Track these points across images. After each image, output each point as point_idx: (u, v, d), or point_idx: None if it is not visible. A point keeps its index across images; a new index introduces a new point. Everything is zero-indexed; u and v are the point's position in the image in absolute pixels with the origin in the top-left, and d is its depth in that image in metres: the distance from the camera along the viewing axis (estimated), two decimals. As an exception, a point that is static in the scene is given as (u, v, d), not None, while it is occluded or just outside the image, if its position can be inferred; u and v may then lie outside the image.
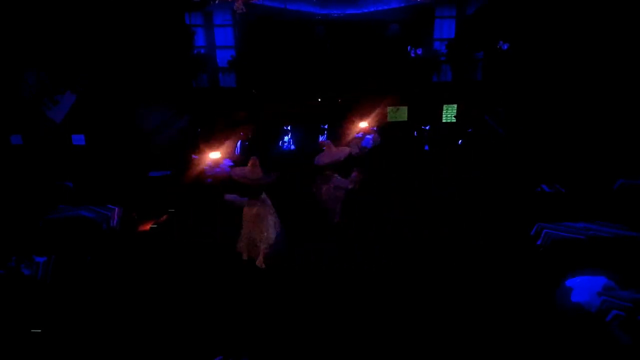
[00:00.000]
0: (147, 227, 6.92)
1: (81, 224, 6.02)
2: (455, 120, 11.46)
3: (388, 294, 4.93)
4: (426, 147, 10.94)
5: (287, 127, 11.73)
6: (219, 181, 7.94)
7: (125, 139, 9.37)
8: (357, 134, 9.84)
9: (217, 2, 13.02)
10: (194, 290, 5.07)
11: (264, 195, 5.58)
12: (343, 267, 5.55)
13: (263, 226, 5.49)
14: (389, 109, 10.66)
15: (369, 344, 4.13)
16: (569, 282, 4.28)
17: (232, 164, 8.63)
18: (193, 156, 9.10)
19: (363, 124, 10.08)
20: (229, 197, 5.71)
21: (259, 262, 5.52)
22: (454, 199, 7.50)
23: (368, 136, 9.90)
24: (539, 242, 5.48)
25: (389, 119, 10.69)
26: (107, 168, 8.38)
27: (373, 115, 10.46)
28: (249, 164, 5.52)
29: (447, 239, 6.22)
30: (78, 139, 9.15)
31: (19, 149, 8.86)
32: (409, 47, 13.24)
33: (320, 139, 11.10)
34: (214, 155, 8.62)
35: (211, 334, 4.26)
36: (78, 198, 6.79)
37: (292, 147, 11.54)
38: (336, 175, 6.62)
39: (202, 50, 13.61)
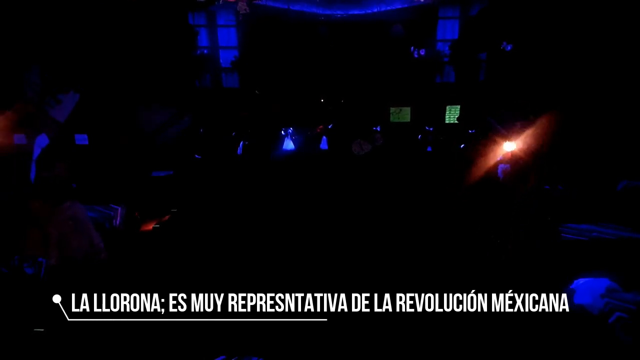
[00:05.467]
0: (150, 227, 6.93)
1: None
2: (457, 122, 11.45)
3: (390, 293, 4.91)
4: (429, 149, 10.93)
5: (289, 127, 11.74)
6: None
7: (128, 138, 9.40)
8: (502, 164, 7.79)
9: (220, 2, 13.04)
10: (194, 290, 5.06)
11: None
12: (343, 268, 5.54)
13: (85, 228, 5.13)
14: (392, 109, 10.67)
15: (372, 345, 4.13)
16: (572, 284, 4.27)
17: None
18: (196, 156, 9.12)
19: (509, 146, 7.57)
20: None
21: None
22: (456, 199, 7.48)
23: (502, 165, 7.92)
24: (542, 244, 5.45)
25: (391, 120, 10.69)
26: (110, 167, 8.41)
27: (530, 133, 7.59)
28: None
29: (449, 238, 6.21)
30: (81, 139, 9.21)
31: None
32: (412, 48, 13.22)
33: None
34: None
35: (213, 333, 4.26)
36: (81, 197, 6.79)
37: (295, 147, 11.55)
38: None
39: (205, 51, 13.63)
